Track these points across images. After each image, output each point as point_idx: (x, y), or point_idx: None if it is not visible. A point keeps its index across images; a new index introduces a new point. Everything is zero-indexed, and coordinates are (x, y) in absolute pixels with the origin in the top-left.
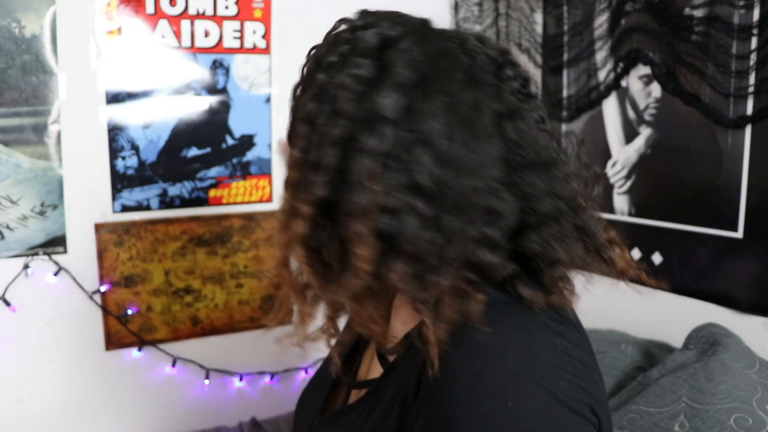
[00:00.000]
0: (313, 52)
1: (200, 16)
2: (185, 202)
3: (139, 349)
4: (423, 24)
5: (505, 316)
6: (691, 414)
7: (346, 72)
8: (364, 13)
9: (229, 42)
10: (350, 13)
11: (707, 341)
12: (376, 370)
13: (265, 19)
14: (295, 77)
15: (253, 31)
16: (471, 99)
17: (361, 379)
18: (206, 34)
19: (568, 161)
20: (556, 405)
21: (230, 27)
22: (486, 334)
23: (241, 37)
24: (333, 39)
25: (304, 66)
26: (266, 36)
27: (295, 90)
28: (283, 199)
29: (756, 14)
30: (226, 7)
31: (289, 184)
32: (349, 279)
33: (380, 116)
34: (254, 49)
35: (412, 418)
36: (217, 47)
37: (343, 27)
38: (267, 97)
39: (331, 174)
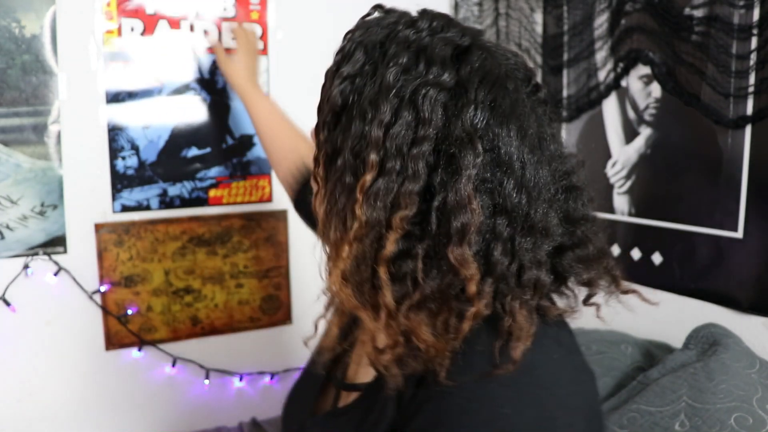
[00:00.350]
0: (361, 38)
1: (199, 17)
2: (185, 202)
3: (139, 349)
4: (481, 34)
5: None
6: (692, 413)
7: (426, 79)
8: (423, 13)
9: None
10: (357, 13)
11: (707, 341)
12: (365, 372)
13: (262, 21)
14: (293, 77)
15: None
16: (535, 121)
17: (350, 380)
18: (206, 34)
19: (587, 183)
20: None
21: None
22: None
23: None
24: (393, 33)
25: (350, 51)
26: (263, 38)
27: (338, 75)
28: (341, 206)
29: (756, 14)
30: (225, 9)
31: (361, 190)
32: (462, 303)
33: (473, 131)
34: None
35: (404, 422)
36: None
37: (400, 22)
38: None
39: (422, 191)
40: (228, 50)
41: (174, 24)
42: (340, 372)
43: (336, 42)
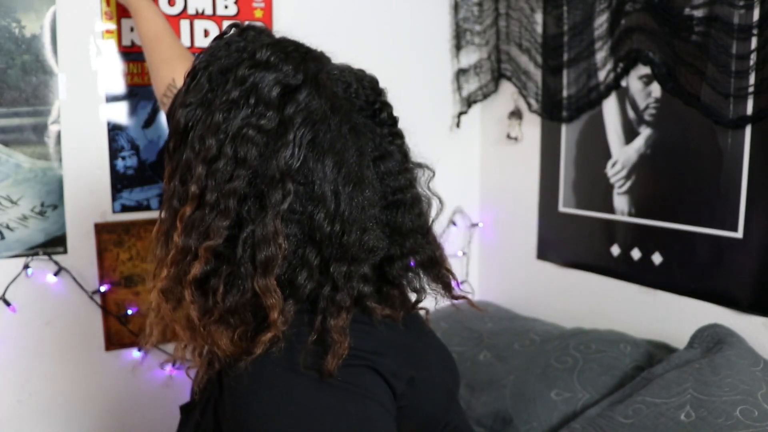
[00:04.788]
0: (208, 62)
1: (199, 15)
2: None
3: (139, 349)
4: (318, 68)
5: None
6: (698, 404)
7: (249, 120)
8: (266, 46)
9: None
10: (357, 13)
11: (712, 340)
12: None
13: (266, 19)
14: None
15: None
16: (356, 151)
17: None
18: (206, 34)
19: (424, 194)
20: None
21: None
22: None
23: None
24: (235, 64)
25: (197, 76)
26: None
27: (184, 100)
28: (167, 227)
29: (756, 14)
30: (226, 7)
31: (180, 219)
32: (262, 327)
33: (284, 172)
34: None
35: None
36: None
37: (246, 51)
38: None
39: (232, 223)
40: None
41: (173, 23)
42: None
43: (340, 40)
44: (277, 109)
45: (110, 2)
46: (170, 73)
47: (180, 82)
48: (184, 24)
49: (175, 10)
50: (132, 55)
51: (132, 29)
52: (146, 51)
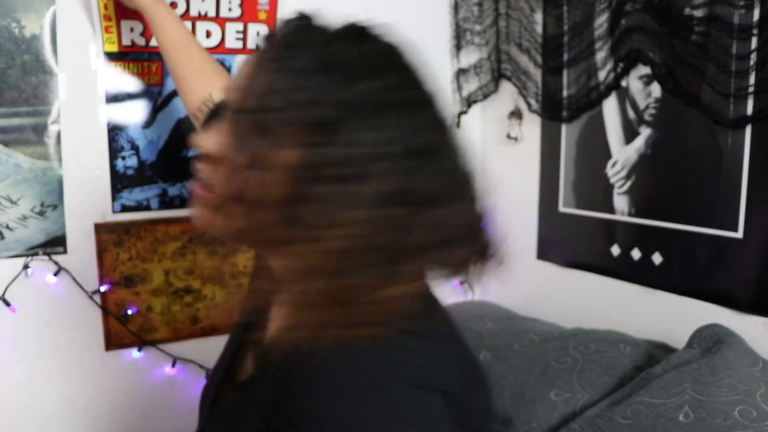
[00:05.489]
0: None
1: (202, 17)
2: (185, 202)
3: (139, 349)
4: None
5: None
6: (696, 405)
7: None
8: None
9: (231, 43)
10: (357, 14)
11: (711, 340)
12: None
13: (270, 21)
14: None
15: (257, 33)
16: None
17: (241, 376)
18: (207, 35)
19: None
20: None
21: (233, 28)
22: None
23: (244, 39)
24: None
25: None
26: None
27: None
28: None
29: (756, 14)
30: (230, 9)
31: None
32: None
33: None
34: (258, 50)
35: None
36: (219, 48)
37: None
38: None
39: None
40: None
41: None
42: (232, 366)
43: None
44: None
45: (107, 6)
46: (208, 86)
47: (217, 97)
48: (186, 24)
49: (177, 12)
50: (132, 54)
51: (132, 29)
52: (172, 61)
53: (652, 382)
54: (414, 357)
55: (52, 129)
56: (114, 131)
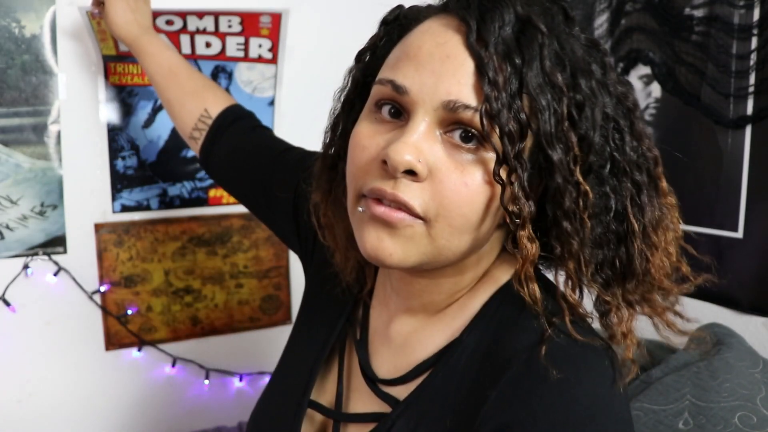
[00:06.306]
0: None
1: (201, 32)
2: (185, 202)
3: (139, 349)
4: None
5: None
6: (696, 411)
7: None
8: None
9: (233, 52)
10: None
11: (711, 340)
12: (371, 401)
13: (273, 36)
14: (301, 84)
15: (259, 45)
16: None
17: (353, 411)
18: (207, 45)
19: None
20: None
21: (233, 41)
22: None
23: (246, 49)
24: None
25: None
26: (273, 50)
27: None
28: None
29: (756, 14)
30: (230, 26)
31: None
32: None
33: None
34: (259, 59)
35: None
36: (219, 56)
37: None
38: (270, 99)
39: None
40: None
41: (173, 38)
42: (335, 400)
43: (349, 54)
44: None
45: (101, 23)
46: (199, 104)
47: (213, 112)
48: (184, 38)
49: (174, 28)
50: (130, 57)
51: None
52: (161, 89)
53: (651, 386)
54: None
55: (52, 129)
56: (114, 131)
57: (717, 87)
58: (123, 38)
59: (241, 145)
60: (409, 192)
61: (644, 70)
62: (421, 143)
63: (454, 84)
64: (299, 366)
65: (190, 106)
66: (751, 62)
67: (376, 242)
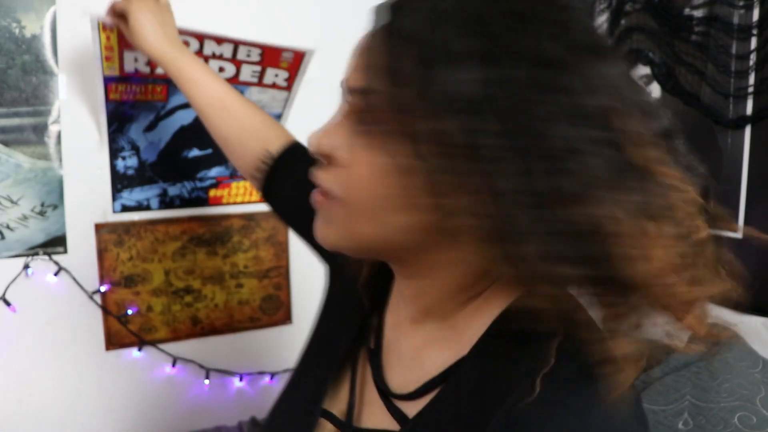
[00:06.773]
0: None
1: (216, 57)
2: (185, 202)
3: (139, 349)
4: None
5: None
6: (695, 412)
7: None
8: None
9: (246, 78)
10: None
11: (710, 340)
12: (382, 416)
13: (292, 70)
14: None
15: (275, 75)
16: None
17: (365, 426)
18: (220, 70)
19: None
20: None
21: (249, 69)
22: None
23: (260, 76)
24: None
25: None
26: (290, 80)
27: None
28: None
29: (756, 14)
30: (248, 55)
31: None
32: None
33: None
34: (273, 86)
35: None
36: (233, 80)
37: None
38: (278, 114)
39: None
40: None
41: None
42: (346, 413)
43: None
44: None
45: (110, 37)
46: (262, 144)
47: (275, 150)
48: (219, 77)
49: (189, 49)
50: (135, 78)
51: (136, 59)
52: (211, 122)
53: (651, 386)
54: None
55: (53, 129)
56: (114, 131)
57: (717, 87)
58: (157, 58)
59: (302, 183)
60: (322, 175)
61: (644, 70)
62: (330, 128)
63: (351, 70)
64: (313, 372)
65: (252, 146)
66: (751, 62)
67: (316, 226)
